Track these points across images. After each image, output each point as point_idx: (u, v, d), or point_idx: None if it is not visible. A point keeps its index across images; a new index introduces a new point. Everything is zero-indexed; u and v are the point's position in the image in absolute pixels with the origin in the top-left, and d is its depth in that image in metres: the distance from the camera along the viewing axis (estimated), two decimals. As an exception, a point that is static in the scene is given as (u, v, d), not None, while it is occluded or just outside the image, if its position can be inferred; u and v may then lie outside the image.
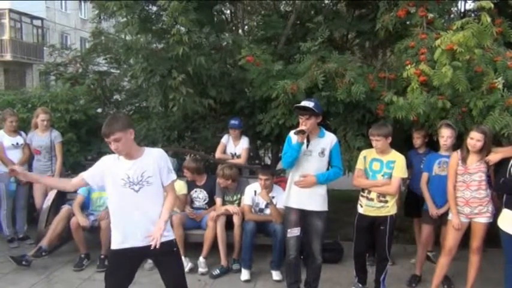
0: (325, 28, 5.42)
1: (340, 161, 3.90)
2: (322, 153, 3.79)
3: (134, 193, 2.86)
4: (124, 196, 2.88)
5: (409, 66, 4.29)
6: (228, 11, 7.29)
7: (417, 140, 4.66)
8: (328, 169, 3.85)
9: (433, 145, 4.67)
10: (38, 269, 4.69)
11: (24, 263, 4.61)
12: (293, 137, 3.79)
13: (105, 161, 2.96)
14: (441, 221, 4.23)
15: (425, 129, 4.62)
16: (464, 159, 3.82)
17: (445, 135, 4.15)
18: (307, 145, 3.77)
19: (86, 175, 2.97)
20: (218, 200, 4.95)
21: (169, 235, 3.01)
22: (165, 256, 3.00)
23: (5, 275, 4.57)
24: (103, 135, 2.81)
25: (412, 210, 4.65)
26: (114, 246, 2.95)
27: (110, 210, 3.00)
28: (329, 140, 3.84)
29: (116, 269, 2.98)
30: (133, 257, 2.97)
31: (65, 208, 4.90)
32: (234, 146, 5.57)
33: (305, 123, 3.68)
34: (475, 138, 3.73)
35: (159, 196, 2.97)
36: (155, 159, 2.94)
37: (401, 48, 4.86)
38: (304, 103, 3.77)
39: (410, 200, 4.70)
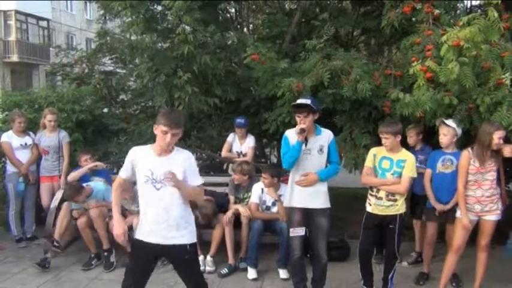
0: (331, 26, 5.41)
1: (338, 156, 3.90)
2: (321, 150, 3.78)
3: (155, 190, 2.89)
4: (146, 192, 2.92)
5: (415, 62, 4.26)
6: (233, 10, 7.30)
7: (410, 138, 4.61)
8: (326, 166, 3.84)
9: (431, 141, 4.66)
10: (46, 269, 4.72)
11: (46, 265, 4.67)
12: (291, 136, 3.77)
13: (134, 151, 2.98)
14: (447, 218, 4.20)
15: (419, 126, 4.59)
16: (481, 159, 3.71)
17: (441, 133, 4.13)
18: (306, 144, 3.74)
19: (121, 173, 3.02)
20: (231, 198, 4.94)
21: (184, 238, 2.98)
22: (177, 260, 3.03)
23: (14, 274, 4.61)
24: (167, 125, 2.81)
25: (411, 210, 4.61)
26: (136, 235, 3.01)
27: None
28: (326, 136, 3.83)
29: (134, 258, 3.04)
30: (148, 251, 2.99)
31: (64, 205, 4.92)
32: (240, 145, 5.57)
33: (303, 121, 3.65)
34: (501, 138, 3.65)
35: (179, 197, 2.96)
36: (182, 161, 2.95)
37: (407, 45, 4.84)
38: (302, 101, 3.75)
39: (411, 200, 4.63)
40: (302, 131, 3.64)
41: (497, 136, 3.67)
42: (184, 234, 2.98)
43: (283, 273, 4.50)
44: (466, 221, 3.76)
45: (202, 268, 4.43)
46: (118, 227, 2.96)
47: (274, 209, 4.72)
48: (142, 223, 2.99)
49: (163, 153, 2.91)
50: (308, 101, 3.69)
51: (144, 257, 3.03)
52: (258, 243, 4.55)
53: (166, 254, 3.06)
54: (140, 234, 2.99)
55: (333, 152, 3.83)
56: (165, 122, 2.82)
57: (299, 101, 3.79)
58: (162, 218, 2.91)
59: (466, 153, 3.80)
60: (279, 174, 4.68)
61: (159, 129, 2.85)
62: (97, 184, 5.03)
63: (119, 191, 3.09)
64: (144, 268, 3.04)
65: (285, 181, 4.90)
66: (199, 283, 3.11)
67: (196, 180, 3.01)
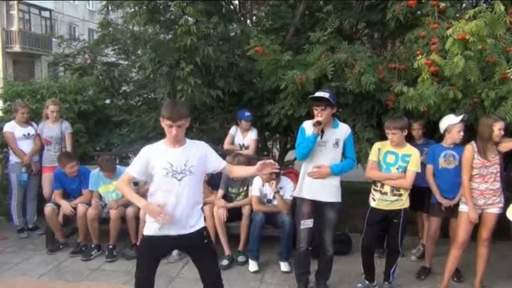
0: (335, 18, 5.36)
1: (354, 152, 3.88)
2: (337, 144, 3.77)
3: (177, 182, 2.85)
4: (167, 185, 2.85)
5: (420, 56, 4.23)
6: (236, 1, 7.24)
7: (418, 131, 4.60)
8: (342, 160, 3.82)
9: (434, 136, 4.63)
10: (48, 259, 4.74)
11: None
12: (307, 127, 3.76)
13: (146, 151, 2.90)
14: (451, 213, 4.18)
15: (423, 119, 4.58)
16: (483, 152, 3.71)
17: (454, 131, 4.07)
18: (322, 136, 3.73)
19: (132, 172, 2.90)
20: (220, 192, 4.89)
21: (199, 224, 2.98)
22: (196, 248, 3.00)
23: (15, 264, 4.62)
24: (169, 119, 2.76)
25: (415, 203, 4.59)
26: (150, 232, 2.92)
27: (148, 198, 2.94)
28: (343, 130, 3.82)
29: (148, 255, 2.97)
30: (165, 245, 2.98)
31: (81, 209, 4.85)
32: (243, 137, 5.55)
33: (321, 114, 3.65)
34: (502, 129, 3.63)
35: (198, 186, 2.96)
36: (199, 150, 2.94)
37: (412, 39, 4.80)
38: (319, 94, 3.74)
39: (412, 193, 4.62)
40: (318, 123, 3.63)
41: (498, 127, 3.66)
42: (200, 219, 3.00)
43: (284, 266, 4.50)
44: (474, 215, 3.73)
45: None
46: (154, 210, 2.81)
47: (276, 202, 4.70)
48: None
49: (178, 145, 2.88)
50: (326, 95, 3.68)
51: (161, 251, 3.02)
52: (259, 235, 4.55)
53: (187, 243, 2.99)
54: (160, 230, 2.89)
55: (349, 147, 3.82)
56: (167, 115, 2.77)
57: (317, 94, 3.77)
58: (185, 209, 2.89)
59: (470, 146, 3.79)
60: (277, 171, 4.63)
61: (164, 123, 2.82)
62: (120, 168, 4.93)
63: (129, 186, 2.99)
64: (158, 260, 3.02)
65: (286, 174, 4.90)
66: (218, 275, 3.05)
67: (221, 161, 3.06)
